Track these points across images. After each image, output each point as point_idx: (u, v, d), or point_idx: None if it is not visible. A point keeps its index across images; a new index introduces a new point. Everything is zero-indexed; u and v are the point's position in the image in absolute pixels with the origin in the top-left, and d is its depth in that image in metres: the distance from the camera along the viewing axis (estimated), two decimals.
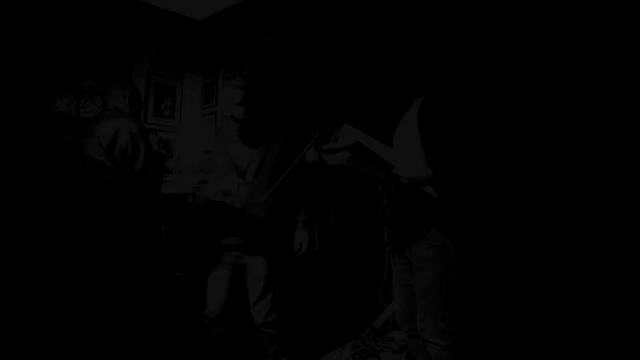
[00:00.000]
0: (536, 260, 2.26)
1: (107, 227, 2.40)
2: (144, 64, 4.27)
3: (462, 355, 1.68)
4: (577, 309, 2.10)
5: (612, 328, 1.98)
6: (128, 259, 2.58)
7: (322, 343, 2.71)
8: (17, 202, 3.07)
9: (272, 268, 2.28)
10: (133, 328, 2.69)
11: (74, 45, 3.77)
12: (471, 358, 1.76)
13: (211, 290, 2.28)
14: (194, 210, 4.35)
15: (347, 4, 3.28)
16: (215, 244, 2.33)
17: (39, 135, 3.57)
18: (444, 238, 1.67)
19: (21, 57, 3.38)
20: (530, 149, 2.34)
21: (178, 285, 3.24)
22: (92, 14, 3.75)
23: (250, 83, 2.22)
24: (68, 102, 3.91)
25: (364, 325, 2.81)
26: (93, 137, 2.35)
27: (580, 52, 2.17)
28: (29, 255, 2.80)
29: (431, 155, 1.67)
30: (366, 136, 1.59)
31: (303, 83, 3.52)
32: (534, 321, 2.21)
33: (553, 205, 2.24)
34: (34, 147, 3.42)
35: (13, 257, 2.77)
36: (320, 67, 3.41)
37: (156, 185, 2.55)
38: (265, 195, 1.99)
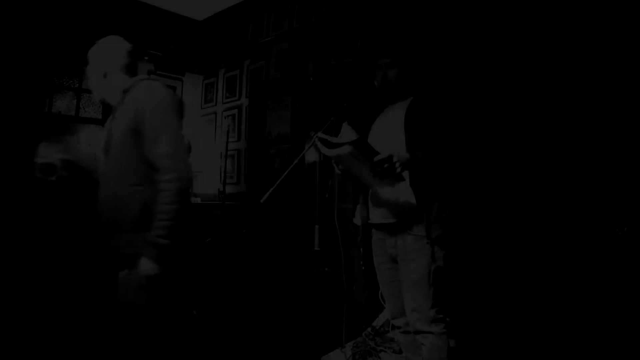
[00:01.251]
0: (520, 249, 2.27)
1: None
2: (144, 64, 4.26)
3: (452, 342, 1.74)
4: (568, 302, 2.10)
5: (592, 310, 1.99)
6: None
7: (322, 343, 2.71)
8: (17, 202, 3.07)
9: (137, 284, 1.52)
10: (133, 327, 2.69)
11: (74, 45, 3.77)
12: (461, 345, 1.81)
13: None
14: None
15: (348, 5, 3.28)
16: None
17: (39, 135, 3.57)
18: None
19: (20, 57, 3.38)
20: (514, 146, 2.36)
21: (178, 285, 3.24)
22: (92, 13, 3.75)
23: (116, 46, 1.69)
24: (68, 102, 3.91)
25: (364, 325, 2.81)
26: None
27: (562, 57, 2.20)
28: (31, 255, 2.80)
29: (416, 151, 1.71)
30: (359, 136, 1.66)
31: (303, 83, 3.52)
32: (520, 308, 2.22)
33: (536, 197, 2.27)
34: (33, 147, 3.42)
35: (15, 256, 2.77)
36: (321, 67, 3.41)
37: None
38: (265, 195, 1.99)
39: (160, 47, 4.27)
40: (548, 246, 2.23)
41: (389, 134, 1.84)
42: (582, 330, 2.04)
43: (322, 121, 2.21)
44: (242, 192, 4.13)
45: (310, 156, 2.93)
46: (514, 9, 2.40)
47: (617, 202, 2.07)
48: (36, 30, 3.44)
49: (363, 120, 2.02)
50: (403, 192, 1.74)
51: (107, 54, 1.69)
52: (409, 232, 1.74)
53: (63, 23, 3.60)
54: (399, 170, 1.58)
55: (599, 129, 2.14)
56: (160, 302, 1.62)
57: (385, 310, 2.79)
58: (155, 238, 1.48)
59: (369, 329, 2.71)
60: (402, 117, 1.79)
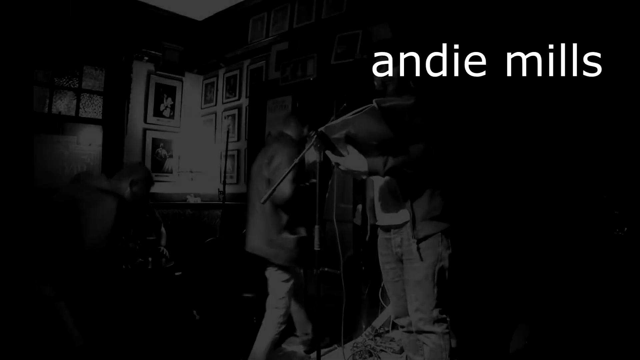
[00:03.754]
0: (520, 248, 2.28)
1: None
2: (144, 64, 4.27)
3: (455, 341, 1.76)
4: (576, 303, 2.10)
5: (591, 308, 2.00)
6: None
7: (322, 343, 2.71)
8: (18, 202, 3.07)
9: None
10: (133, 328, 2.70)
11: (74, 45, 3.77)
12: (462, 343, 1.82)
13: None
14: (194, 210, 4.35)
15: (348, 5, 3.29)
16: None
17: (39, 135, 3.58)
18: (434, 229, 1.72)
19: (19, 55, 3.38)
20: (514, 145, 2.36)
21: (178, 285, 3.24)
22: (91, 13, 3.75)
23: None
24: (68, 102, 3.91)
25: (364, 325, 2.81)
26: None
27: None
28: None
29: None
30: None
31: (303, 83, 3.52)
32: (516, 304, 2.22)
33: (536, 197, 2.28)
34: (32, 146, 3.42)
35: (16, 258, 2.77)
36: (321, 67, 3.41)
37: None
38: (265, 195, 1.99)
39: (160, 47, 4.27)
40: (548, 246, 2.23)
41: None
42: (584, 330, 2.04)
43: (322, 121, 2.21)
44: (242, 192, 4.13)
45: (310, 156, 2.93)
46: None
47: (617, 203, 2.08)
48: (37, 30, 3.44)
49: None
50: (408, 192, 1.75)
51: None
52: (414, 233, 1.74)
53: (64, 23, 3.60)
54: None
55: (598, 129, 2.14)
56: None
57: (386, 310, 2.80)
58: None
59: (369, 329, 2.71)
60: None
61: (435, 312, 1.72)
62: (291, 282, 2.48)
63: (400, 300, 1.90)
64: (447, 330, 1.73)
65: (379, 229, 1.95)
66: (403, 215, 1.78)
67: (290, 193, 2.33)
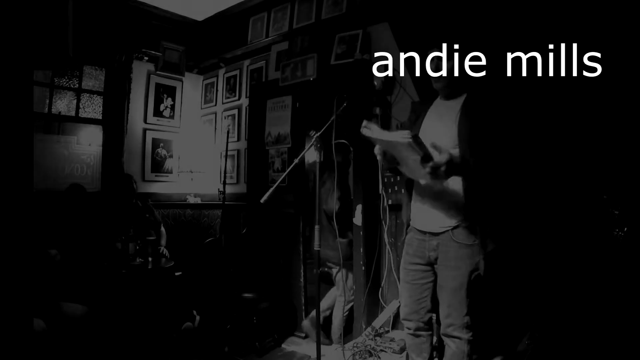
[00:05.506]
0: (520, 247, 2.26)
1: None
2: (144, 64, 4.26)
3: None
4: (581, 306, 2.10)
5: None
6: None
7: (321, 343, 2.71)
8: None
9: None
10: (133, 328, 2.70)
11: (74, 45, 3.76)
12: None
13: None
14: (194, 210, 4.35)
15: (348, 5, 3.28)
16: None
17: (38, 135, 3.57)
18: (473, 238, 1.73)
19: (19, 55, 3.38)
20: (517, 145, 2.32)
21: (178, 285, 3.24)
22: (91, 13, 3.75)
23: None
24: (68, 102, 3.91)
25: (364, 325, 2.81)
26: None
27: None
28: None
29: (473, 151, 1.70)
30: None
31: (303, 83, 3.52)
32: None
33: (537, 197, 2.27)
34: (32, 146, 3.41)
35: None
36: (321, 66, 3.41)
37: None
38: (265, 195, 2.00)
39: (160, 47, 4.27)
40: (547, 246, 2.23)
41: (441, 132, 1.79)
42: (583, 330, 2.04)
43: (322, 121, 2.21)
44: (242, 192, 4.13)
45: (310, 156, 2.93)
46: None
47: (617, 203, 2.07)
48: (37, 30, 3.43)
49: (362, 120, 2.00)
50: (451, 201, 1.75)
51: None
52: (453, 239, 1.75)
53: (64, 23, 3.60)
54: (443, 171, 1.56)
55: (598, 129, 2.14)
56: None
57: (386, 310, 2.80)
58: None
59: (369, 329, 2.71)
60: (455, 117, 1.78)
61: (466, 319, 1.74)
62: (346, 273, 3.03)
63: (413, 303, 1.89)
64: (471, 338, 1.75)
65: (411, 228, 1.92)
66: (445, 222, 1.77)
67: (338, 208, 2.93)
